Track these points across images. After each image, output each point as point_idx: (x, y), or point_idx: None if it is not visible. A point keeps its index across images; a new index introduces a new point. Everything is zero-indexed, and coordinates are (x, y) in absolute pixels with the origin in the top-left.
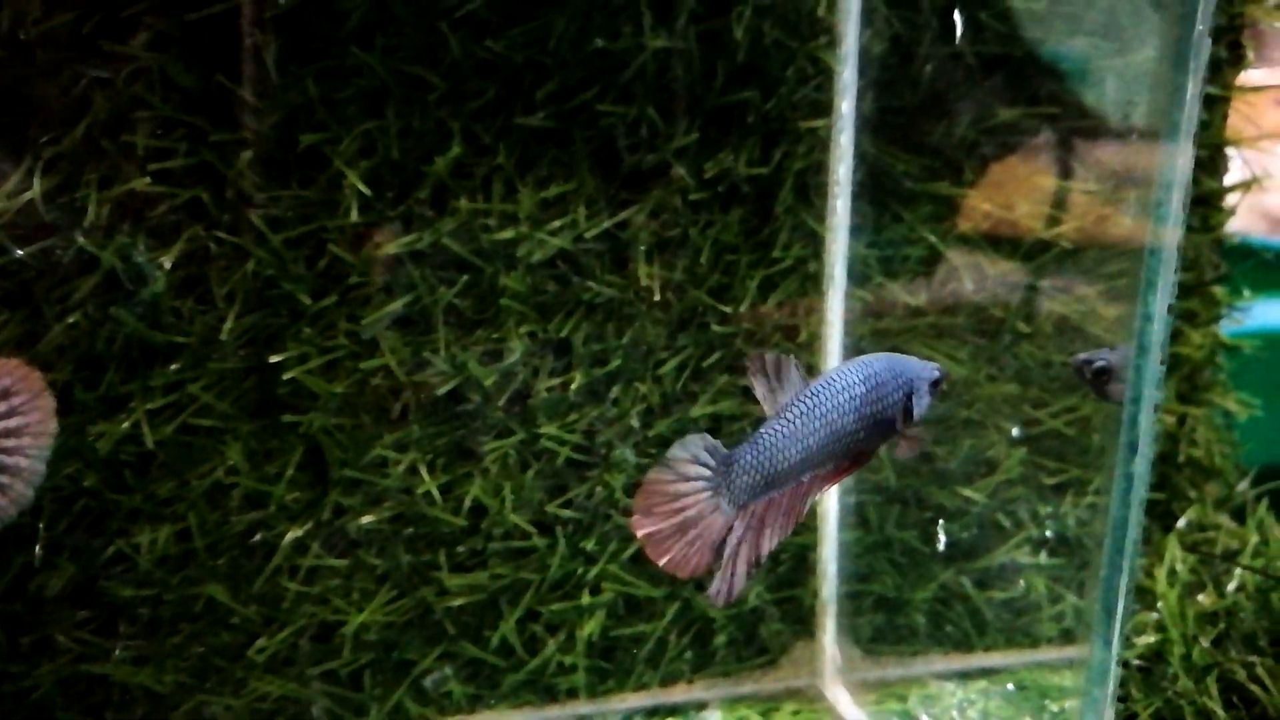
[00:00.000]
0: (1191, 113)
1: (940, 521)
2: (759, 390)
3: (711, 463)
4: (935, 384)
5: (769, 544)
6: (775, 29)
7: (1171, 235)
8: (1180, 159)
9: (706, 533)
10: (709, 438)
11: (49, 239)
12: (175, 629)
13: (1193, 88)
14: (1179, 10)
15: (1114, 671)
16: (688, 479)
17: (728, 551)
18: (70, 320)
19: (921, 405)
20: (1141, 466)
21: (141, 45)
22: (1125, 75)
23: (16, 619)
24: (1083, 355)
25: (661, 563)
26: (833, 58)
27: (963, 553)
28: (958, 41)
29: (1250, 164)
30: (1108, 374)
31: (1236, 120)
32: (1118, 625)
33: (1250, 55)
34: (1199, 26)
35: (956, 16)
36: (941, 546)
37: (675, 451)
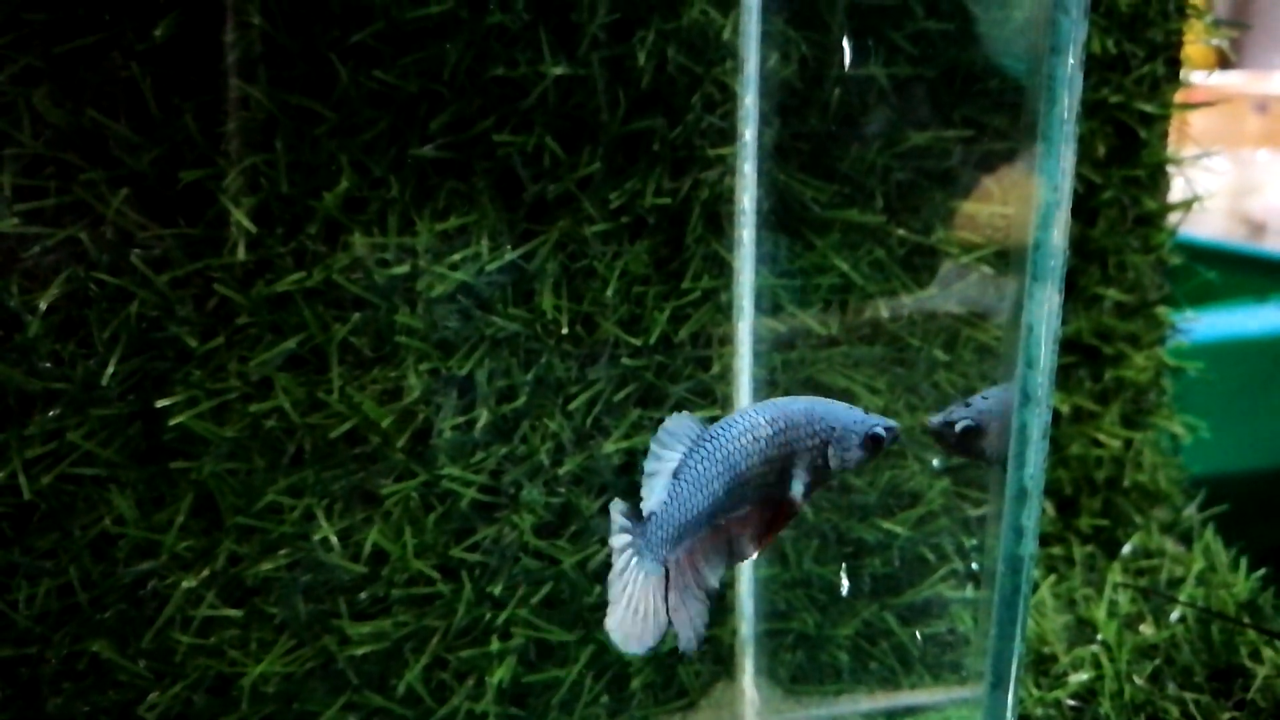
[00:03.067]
0: (1067, 127)
1: (844, 565)
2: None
3: (630, 525)
4: (875, 440)
5: (712, 579)
6: (680, 54)
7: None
8: (1053, 180)
9: (645, 596)
10: (622, 503)
11: None
12: (58, 689)
13: (1068, 100)
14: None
15: None
16: (619, 552)
17: (671, 605)
18: None
19: (845, 458)
20: (1031, 518)
21: (7, 80)
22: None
23: None
24: (937, 417)
25: (633, 649)
26: (738, 83)
27: (886, 588)
28: (848, 66)
29: (1191, 182)
30: (976, 432)
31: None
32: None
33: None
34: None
35: (845, 43)
36: (845, 591)
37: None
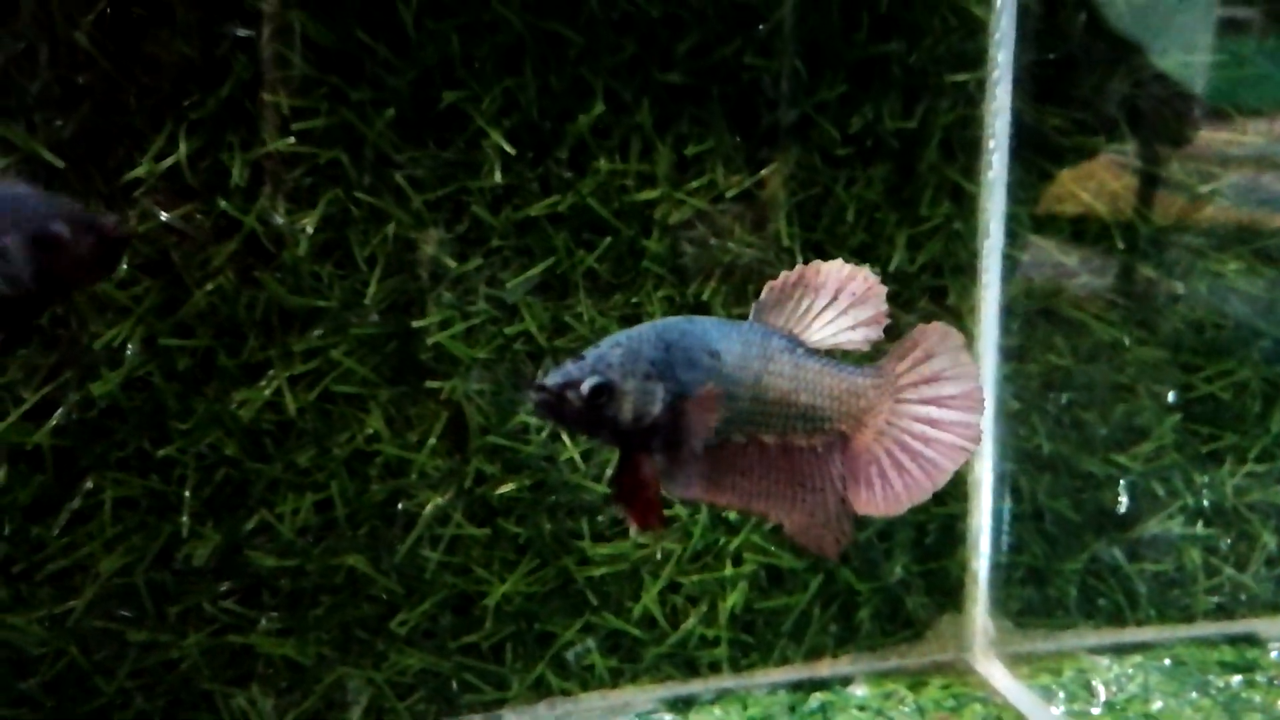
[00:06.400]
0: None
1: (1121, 483)
2: None
3: None
4: None
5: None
6: None
7: None
8: None
9: None
10: None
11: (191, 203)
12: (317, 600)
13: None
14: None
15: None
16: None
17: None
18: (210, 287)
19: None
20: None
21: (279, 2)
22: None
23: (164, 588)
24: (553, 379)
25: None
26: (982, 8)
27: (1114, 523)
28: None
29: None
30: (606, 391)
31: None
32: None
33: None
34: None
35: None
36: (1123, 508)
37: None
